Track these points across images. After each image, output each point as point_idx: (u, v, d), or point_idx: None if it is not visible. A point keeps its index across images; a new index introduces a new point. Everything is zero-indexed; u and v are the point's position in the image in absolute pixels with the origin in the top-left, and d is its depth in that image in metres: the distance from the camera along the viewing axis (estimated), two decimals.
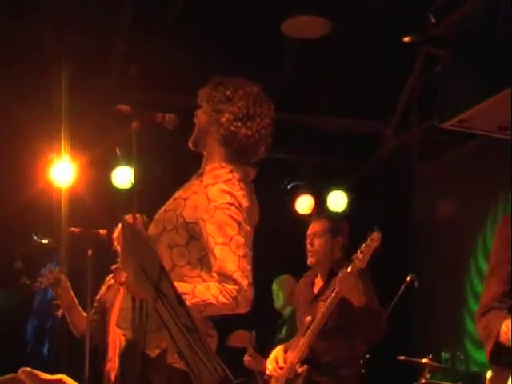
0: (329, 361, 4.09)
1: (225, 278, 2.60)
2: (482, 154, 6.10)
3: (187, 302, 2.29)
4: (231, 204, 2.69)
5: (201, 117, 2.91)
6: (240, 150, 2.87)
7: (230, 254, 2.62)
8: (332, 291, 3.98)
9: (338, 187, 6.78)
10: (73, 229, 4.30)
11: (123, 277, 3.79)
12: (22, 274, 4.47)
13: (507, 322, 2.04)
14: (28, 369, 2.97)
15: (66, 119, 5.52)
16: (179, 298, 1.99)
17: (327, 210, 6.76)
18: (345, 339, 4.11)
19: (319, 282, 4.29)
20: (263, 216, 2.87)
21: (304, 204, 6.74)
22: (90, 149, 5.69)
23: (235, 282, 2.59)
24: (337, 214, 4.80)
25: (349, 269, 3.85)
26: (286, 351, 4.26)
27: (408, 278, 5.25)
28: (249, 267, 2.66)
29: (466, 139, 6.20)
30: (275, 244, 6.09)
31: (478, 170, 6.16)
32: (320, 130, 6.47)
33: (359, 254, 3.88)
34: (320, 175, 6.83)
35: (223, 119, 2.82)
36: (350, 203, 6.75)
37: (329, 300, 3.95)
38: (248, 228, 2.73)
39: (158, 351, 2.61)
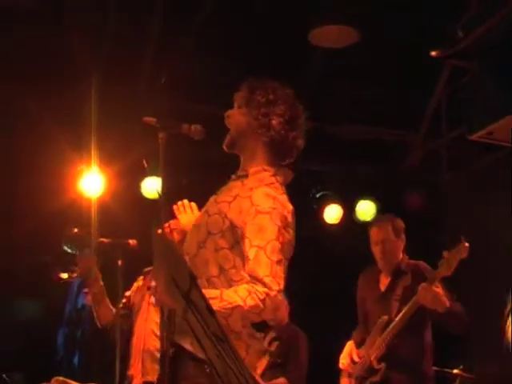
0: (404, 358, 4.37)
1: (255, 280, 2.59)
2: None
3: (214, 307, 2.29)
4: (274, 208, 2.70)
5: (238, 119, 2.92)
6: (284, 152, 2.89)
7: (264, 257, 2.61)
8: (402, 289, 4.41)
9: (366, 196, 6.75)
10: (102, 239, 4.33)
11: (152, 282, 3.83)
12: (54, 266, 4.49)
13: None
14: (61, 378, 3.00)
15: (95, 130, 5.57)
16: (209, 308, 2.00)
17: (356, 219, 6.75)
18: (415, 335, 4.39)
19: (384, 280, 4.62)
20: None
21: (332, 213, 6.72)
22: (119, 159, 5.72)
23: (265, 285, 2.57)
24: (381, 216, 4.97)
25: (428, 281, 4.13)
26: (357, 346, 4.59)
27: None
28: (281, 274, 2.64)
29: (496, 148, 6.16)
30: (303, 253, 6.08)
31: (505, 178, 6.10)
32: (348, 139, 6.45)
33: (444, 262, 4.14)
34: (348, 184, 6.80)
35: (274, 122, 2.83)
36: (379, 212, 6.71)
37: (409, 306, 4.25)
38: (288, 236, 2.72)
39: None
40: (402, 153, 6.69)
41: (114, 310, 4.26)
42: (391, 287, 4.58)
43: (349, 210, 6.75)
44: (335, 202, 6.72)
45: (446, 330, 4.43)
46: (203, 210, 2.97)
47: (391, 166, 6.84)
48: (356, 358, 4.60)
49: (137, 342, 4.17)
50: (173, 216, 3.32)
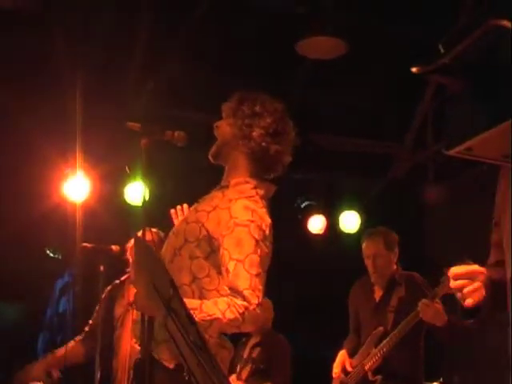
0: (397, 369, 4.45)
1: (235, 293, 2.61)
2: (497, 176, 6.06)
3: (194, 318, 2.29)
4: (252, 221, 2.71)
5: (225, 129, 2.93)
6: (265, 165, 2.90)
7: (243, 271, 2.63)
8: (398, 300, 4.51)
9: (350, 207, 6.77)
10: (85, 244, 4.31)
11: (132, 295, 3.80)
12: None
13: None
14: None
15: (80, 134, 5.54)
16: (189, 316, 1.99)
17: (340, 230, 6.77)
18: (409, 347, 4.46)
19: (378, 291, 4.69)
20: (275, 234, 2.87)
21: (316, 224, 6.73)
22: (105, 163, 5.71)
23: (245, 298, 2.59)
24: (349, 233, 5.02)
25: (429, 297, 4.18)
26: (350, 356, 4.64)
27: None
28: (260, 287, 2.65)
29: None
30: (287, 262, 6.09)
31: (493, 192, 6.12)
32: (333, 150, 6.47)
33: (446, 280, 4.08)
34: (333, 195, 6.82)
35: (255, 134, 2.85)
36: (363, 224, 6.73)
37: (408, 320, 4.31)
38: (266, 249, 2.73)
39: (175, 362, 2.62)
40: (388, 164, 6.71)
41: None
42: (385, 298, 4.64)
43: (333, 220, 6.76)
44: (320, 213, 6.73)
45: (440, 342, 4.57)
46: (183, 217, 2.98)
47: (376, 178, 6.86)
48: (349, 368, 4.63)
49: (122, 359, 4.12)
50: (155, 222, 3.31)
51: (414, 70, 1.71)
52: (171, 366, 2.64)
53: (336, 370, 4.70)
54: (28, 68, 5.49)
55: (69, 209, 5.77)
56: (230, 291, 2.62)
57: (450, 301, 4.39)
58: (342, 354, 4.72)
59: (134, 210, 5.81)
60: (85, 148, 5.53)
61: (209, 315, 2.55)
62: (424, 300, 4.22)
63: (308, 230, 6.76)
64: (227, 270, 2.66)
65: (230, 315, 2.56)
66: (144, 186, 2.81)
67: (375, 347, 4.50)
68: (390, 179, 6.76)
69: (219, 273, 2.72)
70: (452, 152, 1.77)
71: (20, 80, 5.45)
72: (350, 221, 6.73)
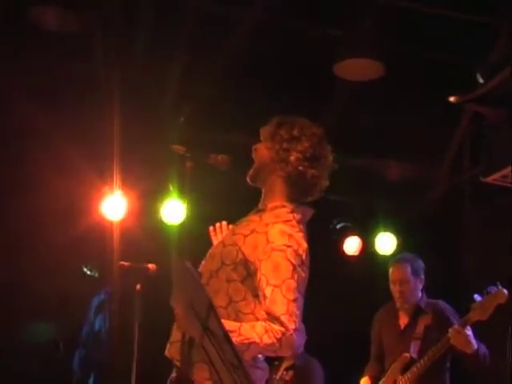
0: None
1: (272, 318, 2.62)
2: None
3: (232, 339, 2.31)
4: (288, 246, 2.72)
5: (263, 152, 2.95)
6: (302, 189, 2.90)
7: (281, 296, 2.64)
8: (424, 328, 4.53)
9: (386, 229, 6.74)
10: (122, 263, 4.35)
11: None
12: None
13: None
14: None
15: (118, 153, 5.62)
16: (226, 336, 2.01)
17: (375, 251, 6.74)
18: (437, 374, 4.50)
19: (403, 318, 4.73)
20: (311, 255, 2.88)
21: (352, 245, 6.71)
22: (142, 183, 5.77)
23: (282, 324, 2.60)
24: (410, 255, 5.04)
25: (460, 323, 4.26)
26: (372, 381, 4.69)
27: None
28: (298, 312, 2.66)
29: None
30: (322, 284, 6.08)
31: None
32: (370, 172, 6.46)
33: (478, 306, 4.24)
34: (369, 217, 6.80)
35: (292, 158, 2.85)
36: (399, 246, 6.70)
37: (438, 346, 4.34)
38: (303, 273, 2.73)
39: (209, 383, 2.64)
40: (425, 188, 6.68)
41: None
42: (411, 325, 4.65)
43: (369, 242, 6.74)
44: (355, 234, 6.72)
45: (468, 370, 4.54)
46: (221, 239, 3.01)
47: (413, 200, 6.83)
48: None
49: None
50: (193, 241, 3.35)
51: (452, 99, 1.73)
52: None
53: None
54: (69, 89, 5.59)
55: (106, 227, 5.84)
56: (268, 316, 2.63)
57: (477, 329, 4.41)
58: (365, 381, 4.75)
59: (171, 230, 5.86)
60: (123, 167, 5.61)
61: (247, 338, 2.57)
62: (455, 326, 4.25)
63: (343, 251, 6.74)
64: (264, 296, 2.67)
65: (267, 340, 2.58)
66: (183, 206, 2.85)
67: (401, 374, 4.50)
68: (427, 202, 6.72)
69: (255, 296, 2.73)
70: (489, 179, 1.78)
71: (61, 100, 5.56)
72: (385, 243, 6.70)
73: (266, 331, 2.58)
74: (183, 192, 2.84)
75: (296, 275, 2.69)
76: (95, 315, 6.63)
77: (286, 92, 5.64)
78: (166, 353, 2.86)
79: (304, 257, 2.76)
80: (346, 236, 6.74)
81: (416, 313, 4.67)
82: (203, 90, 5.64)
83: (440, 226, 6.63)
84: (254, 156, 3.00)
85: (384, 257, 6.60)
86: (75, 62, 5.48)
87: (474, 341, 4.24)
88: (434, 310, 4.61)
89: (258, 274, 2.71)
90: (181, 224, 5.74)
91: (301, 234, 2.81)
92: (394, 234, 6.73)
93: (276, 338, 2.58)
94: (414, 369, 4.44)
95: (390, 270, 4.78)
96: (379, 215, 6.77)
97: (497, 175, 1.59)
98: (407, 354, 4.51)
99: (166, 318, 3.12)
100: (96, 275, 6.49)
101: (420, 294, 4.72)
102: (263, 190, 2.99)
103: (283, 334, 2.59)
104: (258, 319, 2.69)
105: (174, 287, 2.35)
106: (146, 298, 4.31)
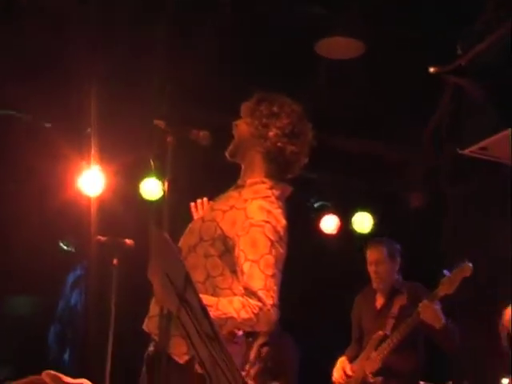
0: (398, 371, 4.57)
1: (250, 293, 2.63)
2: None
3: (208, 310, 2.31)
4: (267, 222, 2.73)
5: (243, 128, 2.97)
6: (282, 166, 2.92)
7: (258, 271, 2.65)
8: (399, 308, 4.63)
9: (363, 208, 6.78)
10: (99, 237, 4.34)
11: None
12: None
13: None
14: (52, 371, 3.00)
15: (96, 128, 5.58)
16: (203, 308, 2.01)
17: (352, 230, 6.78)
18: (410, 350, 4.59)
19: (380, 299, 4.85)
20: (289, 234, 2.88)
21: (329, 223, 6.74)
22: (120, 158, 5.73)
23: (259, 299, 2.62)
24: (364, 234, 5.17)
25: (429, 298, 4.36)
26: (350, 361, 4.75)
27: None
28: (275, 287, 2.68)
29: (497, 165, 6.20)
30: (299, 262, 6.11)
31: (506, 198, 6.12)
32: (348, 151, 6.47)
33: (446, 281, 4.36)
34: (346, 196, 6.82)
35: (271, 134, 2.87)
36: (376, 225, 6.74)
37: (407, 323, 4.46)
38: (281, 249, 2.75)
39: (186, 357, 2.65)
40: (402, 167, 6.71)
41: None
42: (387, 305, 4.78)
43: (346, 221, 6.77)
44: (333, 213, 6.74)
45: (439, 347, 4.61)
46: (200, 215, 3.01)
47: (390, 180, 6.86)
48: (349, 372, 4.72)
49: None
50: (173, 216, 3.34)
51: (431, 70, 1.73)
52: (182, 361, 2.67)
53: (336, 374, 4.80)
54: (45, 62, 5.51)
55: (83, 203, 5.82)
56: (245, 291, 2.65)
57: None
58: (342, 360, 4.82)
59: (150, 205, 5.84)
60: (100, 142, 5.57)
61: (224, 313, 2.58)
62: (424, 300, 4.36)
63: (321, 229, 6.77)
64: (242, 271, 2.68)
65: (244, 315, 2.59)
66: (165, 183, 2.83)
67: (375, 351, 4.61)
68: (405, 181, 6.75)
69: (233, 272, 2.75)
70: (467, 151, 1.78)
71: (36, 74, 5.48)
72: (362, 221, 6.75)
73: (244, 306, 2.60)
74: (163, 167, 2.81)
75: (274, 251, 2.70)
76: (71, 290, 6.64)
77: (267, 70, 5.61)
78: (144, 327, 2.87)
79: (282, 233, 2.77)
80: (324, 214, 6.76)
81: (392, 293, 4.79)
82: (185, 67, 5.59)
83: (415, 206, 6.67)
84: (234, 132, 3.01)
85: (361, 235, 6.65)
86: (53, 37, 5.40)
87: (442, 315, 4.34)
88: (410, 291, 4.71)
89: (236, 250, 2.72)
90: (159, 199, 5.74)
91: (279, 211, 2.82)
92: (372, 213, 6.76)
93: (253, 312, 2.59)
94: (386, 344, 4.55)
95: (367, 252, 4.90)
96: (357, 194, 6.80)
97: (475, 148, 1.59)
98: (381, 332, 4.62)
99: (143, 293, 3.12)
100: (73, 250, 6.48)
101: (396, 276, 4.84)
102: (243, 166, 3.00)
103: (260, 308, 2.60)
104: (235, 294, 2.70)
105: (151, 259, 2.35)
106: (123, 273, 4.31)
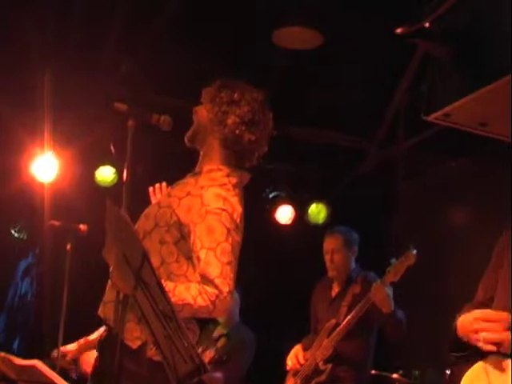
0: (349, 357, 4.59)
1: (206, 281, 2.63)
2: (465, 173, 6.18)
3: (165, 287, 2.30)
4: (223, 209, 2.73)
5: (202, 114, 2.96)
6: (239, 153, 2.92)
7: (215, 259, 2.65)
8: (352, 296, 4.65)
9: (318, 199, 6.81)
10: (53, 222, 4.29)
11: None
12: None
13: (463, 316, 2.12)
14: (2, 354, 2.96)
15: (50, 112, 5.49)
16: (160, 285, 2.00)
17: (307, 221, 6.80)
18: (361, 337, 4.64)
19: (335, 288, 4.88)
20: (243, 224, 2.87)
21: (284, 214, 6.75)
22: (74, 144, 5.66)
23: (216, 286, 2.62)
24: (318, 224, 5.21)
25: (381, 281, 4.39)
26: (304, 349, 4.77)
27: None
28: (231, 275, 2.68)
29: (450, 157, 6.30)
30: (254, 252, 6.11)
31: (460, 189, 6.21)
32: (304, 141, 6.49)
33: (392, 269, 4.40)
34: (301, 186, 6.85)
35: (229, 121, 2.87)
36: (330, 216, 6.78)
37: (359, 306, 4.49)
38: (237, 237, 2.75)
39: (139, 343, 2.63)
40: (358, 158, 6.75)
41: None
42: (341, 294, 4.82)
43: (301, 211, 6.79)
44: (288, 203, 6.76)
45: (386, 336, 4.67)
46: (156, 200, 2.99)
47: (346, 171, 6.90)
48: (302, 360, 4.76)
49: None
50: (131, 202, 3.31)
51: (398, 31, 1.74)
52: (134, 346, 2.65)
53: (289, 361, 4.84)
54: None
55: (36, 189, 5.73)
56: (202, 279, 2.64)
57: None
58: (296, 348, 4.86)
59: (104, 191, 5.78)
60: (54, 127, 5.49)
61: (181, 299, 2.57)
62: (376, 283, 4.41)
63: (276, 219, 6.78)
64: (199, 258, 2.67)
65: (201, 302, 2.59)
66: (117, 168, 2.81)
67: (327, 338, 4.64)
68: (359, 173, 6.80)
69: (188, 258, 2.74)
70: (430, 118, 1.79)
71: None
72: (317, 212, 6.78)
73: (200, 293, 2.59)
74: (122, 151, 2.77)
75: (230, 238, 2.70)
76: (22, 278, 6.54)
77: (223, 57, 5.59)
78: (100, 312, 2.84)
79: (238, 221, 2.77)
80: (279, 205, 6.77)
81: (347, 282, 4.83)
82: (141, 51, 5.54)
83: (372, 196, 6.72)
84: (194, 118, 2.99)
85: (316, 226, 6.68)
86: (4, 21, 5.30)
87: (391, 301, 4.38)
88: (364, 280, 4.76)
89: (192, 237, 2.71)
90: (114, 185, 5.68)
91: (236, 198, 2.82)
92: (326, 204, 6.80)
93: (210, 300, 2.60)
94: (338, 330, 4.58)
95: (324, 241, 4.94)
96: (312, 185, 6.83)
97: (439, 114, 1.60)
98: (333, 320, 4.66)
99: (96, 279, 3.09)
100: (24, 237, 6.38)
101: (353, 265, 4.89)
102: (201, 153, 2.98)
103: (217, 296, 2.61)
104: (190, 281, 2.69)
105: (107, 237, 2.33)
106: (76, 258, 4.26)
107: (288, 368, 4.84)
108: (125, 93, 5.36)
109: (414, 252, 4.45)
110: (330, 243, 4.90)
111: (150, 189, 3.20)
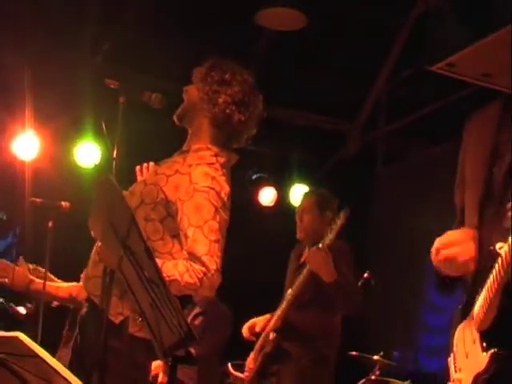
0: (302, 332, 4.26)
1: (194, 258, 2.63)
2: (445, 159, 6.19)
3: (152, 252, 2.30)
4: (211, 188, 2.73)
5: (193, 93, 2.95)
6: (228, 134, 2.91)
7: (202, 236, 2.65)
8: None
9: (301, 181, 6.81)
10: (34, 199, 4.24)
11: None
12: None
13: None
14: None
15: (30, 90, 5.44)
16: (148, 251, 1.99)
17: (290, 203, 6.81)
18: (320, 312, 4.27)
19: (305, 254, 4.42)
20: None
21: (267, 196, 6.76)
22: (55, 122, 5.62)
23: (203, 264, 2.62)
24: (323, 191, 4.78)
25: (319, 245, 4.03)
26: (268, 321, 4.43)
27: (365, 275, 5.26)
28: (219, 253, 2.69)
29: (431, 143, 6.32)
30: (237, 234, 6.09)
31: (440, 175, 6.24)
32: (287, 123, 6.49)
33: (328, 232, 4.08)
34: (284, 168, 6.85)
35: (220, 100, 2.86)
36: None
37: (302, 274, 4.16)
38: (224, 215, 2.76)
39: (121, 318, 2.63)
40: (341, 142, 6.77)
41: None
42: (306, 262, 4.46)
43: (284, 193, 6.79)
44: (271, 185, 6.76)
45: (338, 308, 4.33)
46: (143, 178, 2.99)
47: (328, 154, 6.91)
48: (257, 329, 4.48)
49: None
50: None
51: None
52: (117, 321, 2.65)
53: (243, 331, 4.58)
54: None
55: (17, 167, 5.69)
56: (189, 256, 2.64)
57: None
58: (258, 318, 4.56)
59: (86, 170, 5.75)
60: (35, 105, 5.44)
61: (168, 276, 2.55)
62: (312, 248, 4.11)
63: (259, 201, 6.78)
64: (186, 236, 2.68)
65: (188, 279, 2.59)
66: (100, 146, 2.80)
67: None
68: (342, 156, 6.82)
69: (173, 237, 2.74)
70: (434, 68, 1.77)
71: None
72: (300, 194, 6.76)
73: (187, 270, 2.59)
74: (113, 128, 2.77)
75: (218, 217, 2.71)
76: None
77: (208, 37, 5.57)
78: (83, 287, 2.83)
79: (226, 200, 2.78)
80: (262, 187, 6.77)
81: None
82: (123, 30, 5.51)
83: (353, 179, 6.74)
84: (184, 97, 2.99)
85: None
86: None
87: (332, 269, 4.05)
88: (335, 249, 4.26)
89: (179, 215, 2.71)
90: (96, 165, 5.65)
91: (223, 178, 2.82)
92: (309, 186, 6.80)
93: (197, 277, 2.60)
94: (286, 300, 4.31)
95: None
96: (295, 167, 6.83)
97: (442, 64, 1.59)
98: (290, 290, 4.34)
99: (78, 256, 3.07)
100: (4, 217, 6.32)
101: (323, 232, 4.34)
102: (190, 132, 2.98)
103: (204, 273, 2.61)
104: (175, 259, 2.70)
105: (92, 207, 2.31)
106: (57, 236, 4.23)
107: (244, 337, 4.55)
108: (108, 71, 5.31)
109: (346, 211, 4.09)
110: (301, 203, 4.57)
111: (137, 168, 3.18)
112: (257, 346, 4.43)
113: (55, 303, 4.04)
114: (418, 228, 6.43)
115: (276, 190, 6.75)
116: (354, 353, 5.18)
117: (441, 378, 2.09)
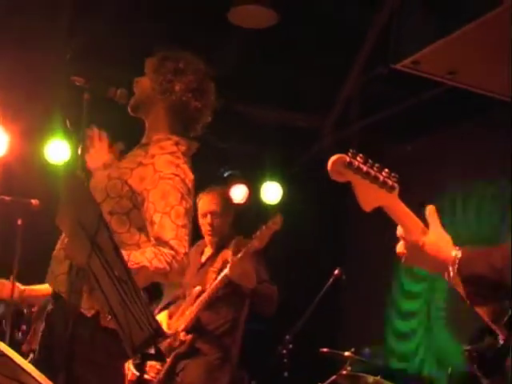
0: (212, 329, 4.28)
1: (162, 243, 2.65)
2: (420, 155, 6.25)
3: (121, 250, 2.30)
4: (176, 175, 2.77)
5: (145, 84, 2.99)
6: (185, 122, 2.97)
7: (169, 222, 2.68)
8: (222, 262, 4.26)
9: (272, 178, 6.81)
10: (3, 196, 4.21)
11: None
12: None
13: None
14: None
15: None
16: (117, 249, 1.98)
17: (261, 201, 6.81)
18: (228, 309, 4.32)
19: (207, 252, 4.52)
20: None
21: (238, 193, 6.75)
22: (24, 118, 5.56)
23: (172, 248, 2.64)
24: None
25: (238, 255, 4.04)
26: (170, 317, 4.39)
27: (336, 271, 5.29)
28: (186, 237, 2.72)
29: (405, 140, 6.37)
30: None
31: (415, 171, 6.29)
32: (258, 121, 6.48)
33: (258, 235, 4.07)
34: (256, 165, 6.85)
35: (177, 88, 2.92)
36: (284, 195, 6.80)
37: (219, 279, 4.16)
38: (190, 201, 2.80)
39: (93, 311, 2.63)
40: (313, 138, 6.78)
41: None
42: (212, 259, 4.50)
43: (255, 191, 6.79)
44: (242, 182, 6.75)
45: (255, 310, 4.41)
46: (106, 172, 2.99)
47: (300, 151, 6.92)
48: (165, 329, 4.35)
49: None
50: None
51: None
52: (89, 314, 2.65)
53: None
54: None
55: None
56: (157, 242, 2.66)
57: None
58: (161, 316, 4.45)
59: (55, 167, 5.71)
60: (3, 101, 5.38)
61: (136, 263, 2.56)
62: (233, 257, 4.11)
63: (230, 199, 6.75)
64: (153, 222, 2.70)
65: (157, 263, 2.59)
66: (70, 142, 2.81)
67: (191, 306, 4.32)
68: (314, 153, 6.82)
69: (140, 229, 2.76)
70: (399, 65, 1.76)
71: None
72: (271, 192, 6.79)
73: (156, 255, 2.60)
74: (78, 125, 2.77)
75: (184, 202, 2.75)
76: None
77: (179, 34, 5.54)
78: (50, 285, 2.83)
79: (191, 186, 2.83)
80: (233, 184, 6.76)
81: (219, 247, 4.50)
82: (93, 25, 5.46)
83: (325, 176, 6.74)
84: (134, 89, 3.03)
85: (270, 206, 6.69)
86: None
87: (253, 276, 4.09)
88: (235, 245, 4.34)
89: (146, 204, 2.73)
90: (66, 162, 5.61)
91: (186, 166, 2.87)
92: (280, 184, 6.81)
93: (166, 261, 2.61)
94: (201, 298, 4.27)
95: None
96: (266, 164, 6.83)
97: (408, 61, 1.58)
98: (199, 287, 4.34)
99: (48, 254, 3.05)
100: None
101: (226, 231, 4.56)
102: (147, 124, 3.03)
103: (173, 257, 2.62)
104: (142, 248, 2.71)
105: (61, 203, 2.30)
106: (27, 234, 4.19)
107: None
108: (76, 67, 5.27)
109: (280, 217, 4.10)
110: (208, 205, 4.48)
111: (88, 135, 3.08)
112: (165, 345, 4.24)
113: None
114: (392, 226, 6.46)
115: (247, 187, 6.75)
116: (324, 349, 5.19)
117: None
